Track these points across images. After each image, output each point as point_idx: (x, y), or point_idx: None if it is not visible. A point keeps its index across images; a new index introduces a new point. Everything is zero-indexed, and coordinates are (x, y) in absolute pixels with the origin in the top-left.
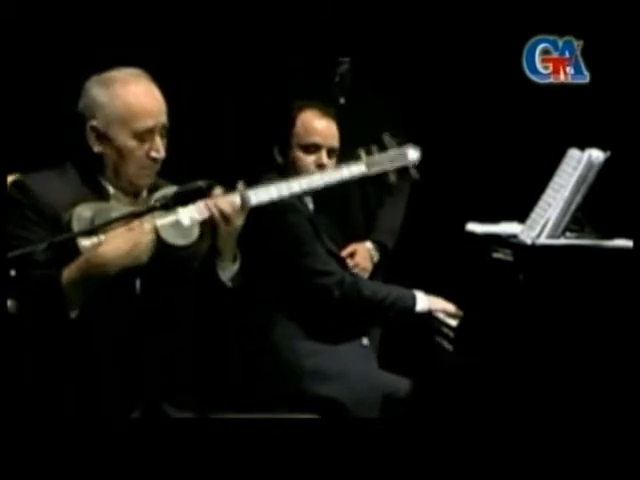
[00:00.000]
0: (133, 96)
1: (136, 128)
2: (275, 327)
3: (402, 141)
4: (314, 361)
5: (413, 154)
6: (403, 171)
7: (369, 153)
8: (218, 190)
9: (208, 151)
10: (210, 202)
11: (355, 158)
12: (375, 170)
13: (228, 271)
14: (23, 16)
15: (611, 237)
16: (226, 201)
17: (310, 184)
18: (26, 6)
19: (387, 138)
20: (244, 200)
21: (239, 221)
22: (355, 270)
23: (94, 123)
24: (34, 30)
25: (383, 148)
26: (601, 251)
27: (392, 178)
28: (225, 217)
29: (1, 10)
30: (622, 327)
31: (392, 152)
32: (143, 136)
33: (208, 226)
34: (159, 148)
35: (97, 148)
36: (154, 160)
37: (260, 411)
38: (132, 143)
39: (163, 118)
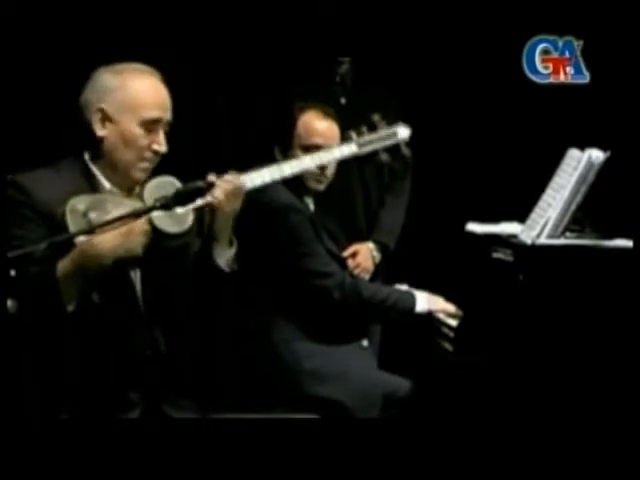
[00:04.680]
0: (144, 86)
1: (144, 116)
2: (275, 328)
3: (392, 121)
4: (314, 362)
5: (403, 132)
6: (395, 150)
7: (359, 134)
8: (212, 177)
9: (207, 151)
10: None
11: (346, 139)
12: (366, 150)
13: (224, 256)
14: (22, 16)
15: (611, 237)
16: (222, 185)
17: (301, 166)
18: (25, 5)
19: (377, 118)
20: (239, 184)
21: (235, 205)
22: (357, 270)
23: (102, 106)
24: (32, 29)
25: (373, 128)
26: (601, 251)
27: (384, 157)
28: (222, 201)
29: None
30: (622, 327)
31: (382, 131)
32: (149, 126)
33: (199, 215)
34: (162, 142)
35: (101, 132)
36: (155, 153)
37: (260, 411)
38: (137, 130)
39: (169, 115)
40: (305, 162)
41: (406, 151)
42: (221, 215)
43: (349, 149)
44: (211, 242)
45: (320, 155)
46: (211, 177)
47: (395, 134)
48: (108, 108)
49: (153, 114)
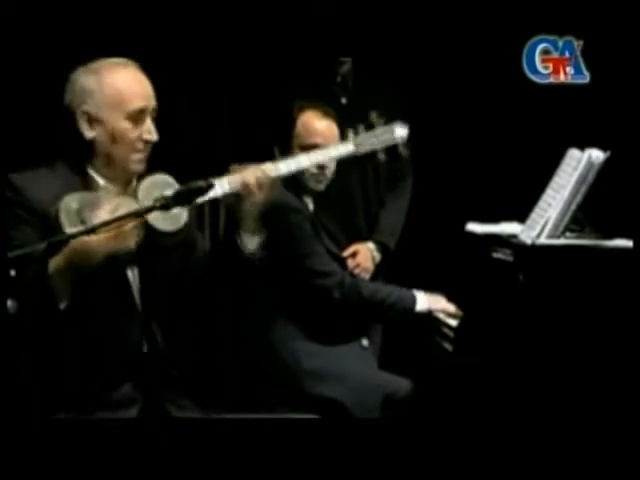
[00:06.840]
0: (122, 80)
1: (129, 109)
2: (275, 328)
3: (393, 120)
4: (314, 362)
5: (401, 131)
6: (392, 149)
7: (357, 133)
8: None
9: (207, 150)
10: (245, 173)
11: (343, 138)
12: (363, 149)
13: (251, 243)
14: (20, 17)
15: (611, 237)
16: (256, 171)
17: (298, 165)
18: (24, 7)
19: (374, 117)
20: (267, 173)
21: (262, 195)
22: (357, 270)
23: (85, 108)
24: (30, 29)
25: (371, 127)
26: (601, 251)
27: (381, 157)
28: (257, 186)
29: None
30: (622, 327)
31: (379, 130)
32: (135, 117)
33: (198, 212)
34: (151, 130)
35: (89, 134)
36: (147, 142)
37: (260, 411)
38: (125, 125)
39: (153, 102)
40: (302, 161)
41: (404, 150)
42: (251, 202)
43: (346, 149)
44: (237, 229)
45: (317, 155)
46: (234, 167)
47: (392, 133)
48: (91, 109)
49: (137, 105)
